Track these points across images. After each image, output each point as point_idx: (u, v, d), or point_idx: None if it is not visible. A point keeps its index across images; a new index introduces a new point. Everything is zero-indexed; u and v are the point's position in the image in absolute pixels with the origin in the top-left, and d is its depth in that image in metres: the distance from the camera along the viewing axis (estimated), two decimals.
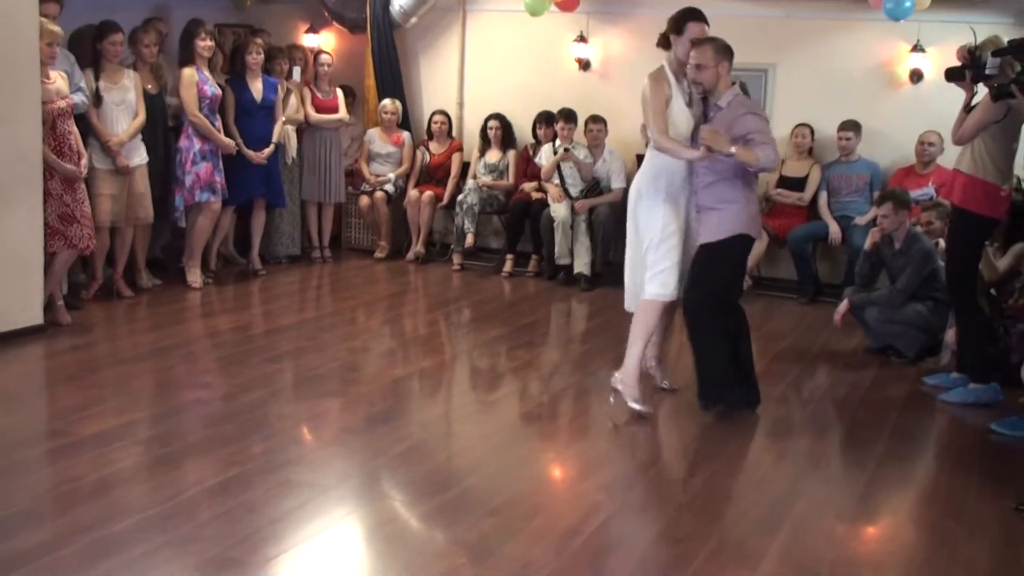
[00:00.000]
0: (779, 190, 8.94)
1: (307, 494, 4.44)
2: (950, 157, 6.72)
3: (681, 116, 5.56)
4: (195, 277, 8.22)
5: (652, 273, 5.64)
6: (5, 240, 6.41)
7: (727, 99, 5.52)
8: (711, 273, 5.59)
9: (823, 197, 8.80)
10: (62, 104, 6.83)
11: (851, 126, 8.71)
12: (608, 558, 3.95)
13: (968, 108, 5.96)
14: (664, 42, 5.69)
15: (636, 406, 5.62)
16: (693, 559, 3.95)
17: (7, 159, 6.38)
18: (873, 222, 7.67)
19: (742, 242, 5.62)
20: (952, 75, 6.05)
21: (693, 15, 5.60)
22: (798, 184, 8.90)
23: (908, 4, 8.01)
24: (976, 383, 6.11)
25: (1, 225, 6.38)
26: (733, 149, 5.22)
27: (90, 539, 3.90)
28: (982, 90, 5.90)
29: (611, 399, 5.77)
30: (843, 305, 6.99)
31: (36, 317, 6.67)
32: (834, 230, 8.61)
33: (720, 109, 5.52)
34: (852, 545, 4.28)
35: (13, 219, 6.46)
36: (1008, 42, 5.58)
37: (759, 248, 8.69)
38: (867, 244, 7.18)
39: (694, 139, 5.52)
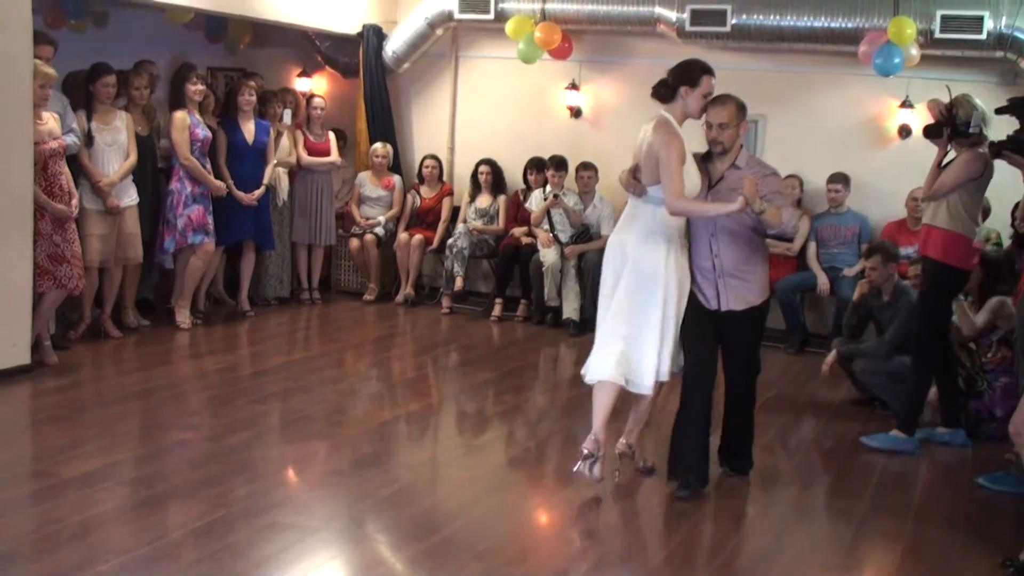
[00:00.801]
0: (768, 240, 8.96)
1: (292, 537, 4.41)
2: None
3: (695, 175, 5.17)
4: (184, 318, 8.21)
5: (668, 349, 5.18)
6: None
7: (744, 158, 5.24)
8: (754, 339, 5.47)
9: (812, 248, 8.86)
10: (54, 145, 6.84)
11: (840, 178, 8.79)
12: None
13: (941, 165, 6.04)
14: (668, 94, 5.22)
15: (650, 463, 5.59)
16: None
17: None
18: (861, 274, 7.72)
19: (768, 306, 5.53)
20: (931, 132, 6.12)
21: (708, 69, 5.23)
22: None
23: (897, 60, 8.12)
24: (902, 431, 6.19)
25: None
26: (766, 206, 4.93)
27: None
28: None
29: (616, 474, 5.36)
30: (831, 356, 7.01)
31: (24, 357, 6.65)
32: (822, 281, 8.66)
33: (738, 168, 5.18)
34: None
35: (3, 258, 6.45)
36: (1008, 100, 5.64)
37: None
38: (855, 295, 7.21)
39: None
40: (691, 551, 4.57)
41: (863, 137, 8.98)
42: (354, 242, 9.83)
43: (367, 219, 9.88)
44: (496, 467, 5.76)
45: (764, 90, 9.13)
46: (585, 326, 9.00)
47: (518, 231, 9.53)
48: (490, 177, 9.74)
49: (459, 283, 9.46)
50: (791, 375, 7.98)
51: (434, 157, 10.07)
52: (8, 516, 4.55)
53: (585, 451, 5.07)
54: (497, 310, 9.42)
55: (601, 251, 8.88)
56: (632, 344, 5.12)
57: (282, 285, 9.46)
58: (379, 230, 9.79)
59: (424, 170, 10.01)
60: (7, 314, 6.51)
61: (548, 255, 9.11)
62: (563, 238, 9.21)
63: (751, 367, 5.45)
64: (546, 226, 9.27)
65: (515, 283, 9.52)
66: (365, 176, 10.01)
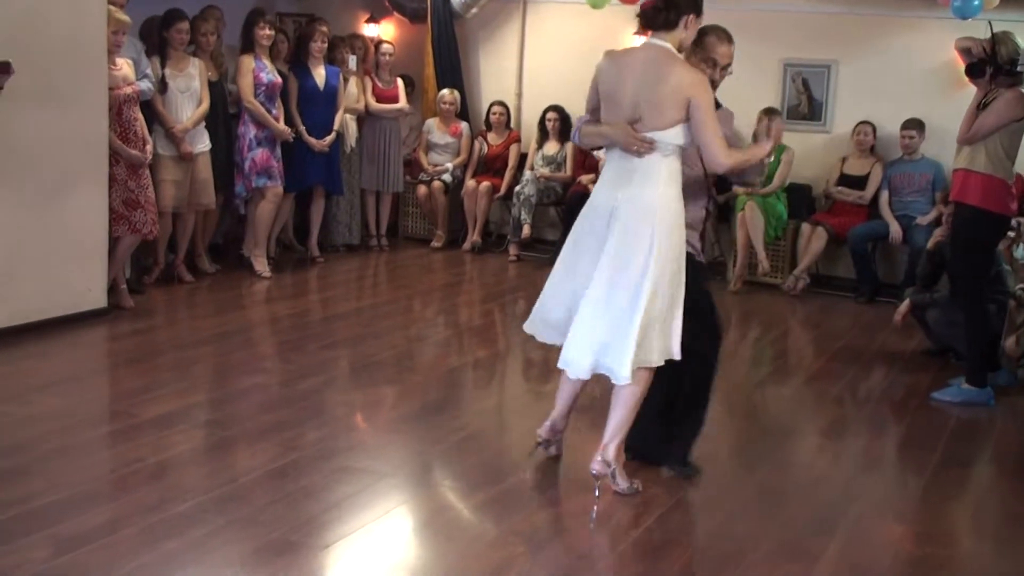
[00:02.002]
0: (839, 188, 8.85)
1: (363, 481, 4.47)
2: None
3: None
4: (262, 267, 8.28)
5: (671, 327, 4.33)
6: (71, 224, 6.51)
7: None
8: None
9: (884, 196, 8.69)
10: (128, 91, 6.92)
11: (914, 124, 8.60)
12: (663, 552, 3.93)
13: (981, 106, 5.85)
14: (672, 21, 4.33)
15: (626, 485, 4.48)
16: (749, 556, 3.94)
17: (74, 144, 6.48)
18: (935, 222, 7.58)
19: None
20: (973, 71, 5.94)
21: None
22: (859, 182, 8.80)
23: (976, 2, 7.87)
24: (972, 384, 6.05)
25: (67, 210, 6.48)
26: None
27: (151, 520, 3.95)
28: None
29: (596, 493, 4.43)
30: (904, 305, 6.90)
31: (100, 300, 6.78)
32: (895, 229, 8.51)
33: (719, 106, 4.54)
34: (910, 548, 4.22)
35: (79, 204, 6.56)
36: None
37: (818, 246, 8.63)
38: (930, 244, 7.09)
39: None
40: (760, 501, 4.55)
41: (938, 82, 8.74)
42: (422, 189, 9.85)
43: (434, 166, 9.89)
44: None
45: (837, 33, 8.97)
46: None
47: (585, 178, 9.47)
48: (558, 124, 9.68)
49: (526, 230, 9.45)
50: (861, 325, 7.89)
51: (502, 104, 10.03)
52: (88, 456, 4.67)
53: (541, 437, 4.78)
54: None
55: None
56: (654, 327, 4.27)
57: (351, 232, 9.51)
58: (446, 177, 9.79)
59: (492, 117, 9.98)
60: (84, 259, 6.63)
61: None
62: None
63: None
64: None
65: None
66: (433, 123, 10.00)
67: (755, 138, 4.60)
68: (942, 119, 8.68)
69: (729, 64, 4.58)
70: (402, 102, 9.63)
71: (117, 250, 6.97)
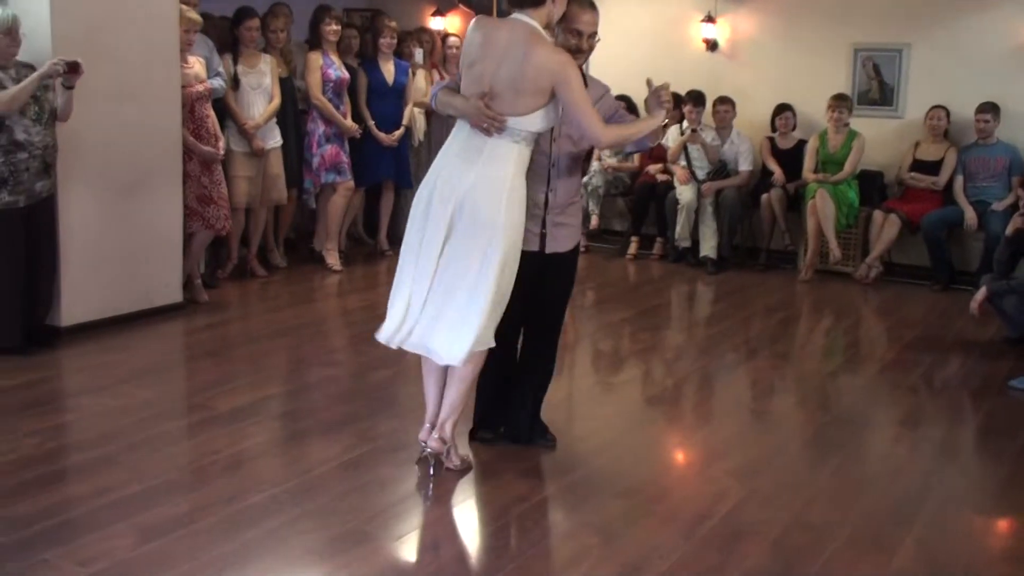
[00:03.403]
0: (913, 174, 8.71)
1: (435, 472, 4.50)
2: None
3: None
4: (334, 260, 8.38)
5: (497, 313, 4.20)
6: (147, 221, 6.64)
7: (587, 77, 4.40)
8: (570, 284, 4.80)
9: (959, 181, 8.54)
10: (200, 88, 7.03)
11: (990, 108, 8.42)
12: (739, 544, 3.91)
13: None
14: None
15: (459, 461, 4.52)
16: (827, 547, 3.90)
17: (149, 142, 6.60)
18: (1012, 207, 7.42)
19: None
20: None
21: None
22: (933, 168, 8.65)
23: None
24: None
25: (143, 206, 6.61)
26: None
27: (229, 511, 4.03)
28: None
29: (431, 471, 4.45)
30: (981, 292, 6.76)
31: (176, 295, 6.91)
32: (970, 216, 8.36)
33: (593, 82, 4.49)
34: (990, 540, 4.17)
35: (155, 200, 6.68)
36: None
37: (890, 233, 8.50)
38: (1008, 230, 6.96)
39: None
40: (837, 491, 4.50)
41: (1015, 64, 8.55)
42: None
43: None
44: (634, 405, 5.76)
45: (909, 16, 8.84)
46: (722, 264, 8.92)
47: (654, 168, 9.44)
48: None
49: (595, 221, 9.44)
50: (937, 313, 7.76)
51: None
52: (167, 448, 4.76)
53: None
54: (633, 248, 9.39)
55: (738, 188, 8.97)
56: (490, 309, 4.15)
57: None
58: None
59: None
60: (159, 254, 6.76)
61: (685, 192, 9.00)
62: (700, 175, 9.08)
63: (560, 321, 4.79)
64: (683, 163, 9.15)
65: (650, 221, 9.45)
66: None
67: (646, 106, 4.43)
68: (1018, 102, 8.52)
69: (595, 33, 4.35)
70: None
71: (191, 245, 7.09)
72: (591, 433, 5.22)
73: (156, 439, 4.80)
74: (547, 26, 4.18)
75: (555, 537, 3.99)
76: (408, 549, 3.85)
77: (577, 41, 4.29)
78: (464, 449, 4.66)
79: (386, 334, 4.35)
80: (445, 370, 4.36)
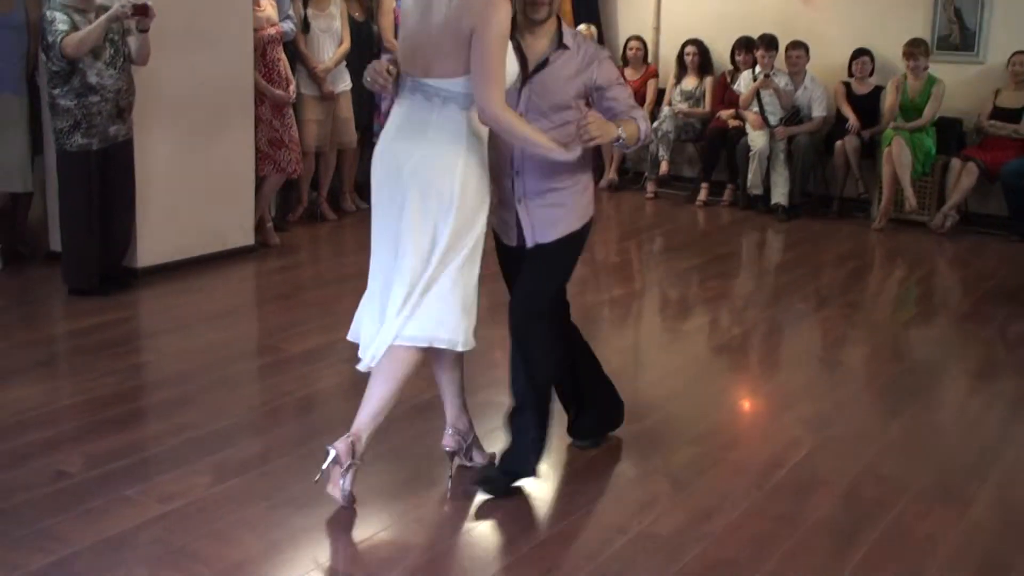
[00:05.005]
0: (992, 121, 8.49)
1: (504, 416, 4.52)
2: None
3: (512, 61, 3.56)
4: None
5: (461, 304, 3.72)
6: (220, 164, 6.71)
7: (569, 35, 3.69)
8: (560, 272, 4.00)
9: None
10: (272, 31, 7.05)
11: None
12: (811, 493, 3.89)
13: None
14: None
15: (483, 460, 4.03)
16: (899, 498, 3.86)
17: (221, 85, 6.65)
18: None
19: (589, 229, 3.98)
20: None
21: None
22: (1014, 115, 8.42)
23: None
24: None
25: (216, 149, 6.67)
26: (622, 132, 3.59)
27: (302, 451, 4.09)
28: None
29: (451, 472, 3.97)
30: None
31: (248, 238, 6.99)
32: None
33: (565, 49, 3.65)
34: None
35: (227, 143, 6.74)
36: None
37: (968, 182, 8.31)
38: None
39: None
40: (910, 442, 4.46)
41: None
42: None
43: None
44: (703, 354, 5.73)
45: None
46: (793, 212, 8.80)
47: (725, 114, 9.31)
48: (696, 58, 9.51)
49: (664, 167, 9.36)
50: (1015, 265, 7.60)
51: (638, 38, 9.88)
52: (241, 388, 4.85)
53: (332, 452, 3.65)
54: (703, 195, 9.30)
55: (811, 134, 8.82)
56: (429, 296, 3.65)
57: None
58: None
59: (628, 52, 9.85)
60: (232, 197, 6.83)
61: (757, 138, 8.87)
62: (772, 120, 8.94)
63: (549, 294, 3.99)
64: (755, 108, 9.01)
65: (721, 167, 9.35)
66: None
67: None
68: None
69: None
70: None
71: (263, 189, 7.15)
72: (659, 381, 5.21)
73: (230, 380, 4.88)
74: None
75: (625, 483, 4.00)
76: (479, 493, 3.88)
77: None
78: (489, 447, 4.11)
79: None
80: (447, 362, 3.92)
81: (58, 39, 5.58)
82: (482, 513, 3.74)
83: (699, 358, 5.63)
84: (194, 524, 3.53)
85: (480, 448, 4.05)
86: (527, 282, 3.90)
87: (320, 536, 3.55)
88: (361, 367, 3.75)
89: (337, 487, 3.63)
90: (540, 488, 3.98)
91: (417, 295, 3.61)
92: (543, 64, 3.63)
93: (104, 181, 5.94)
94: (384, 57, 3.76)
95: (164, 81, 6.25)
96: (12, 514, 3.54)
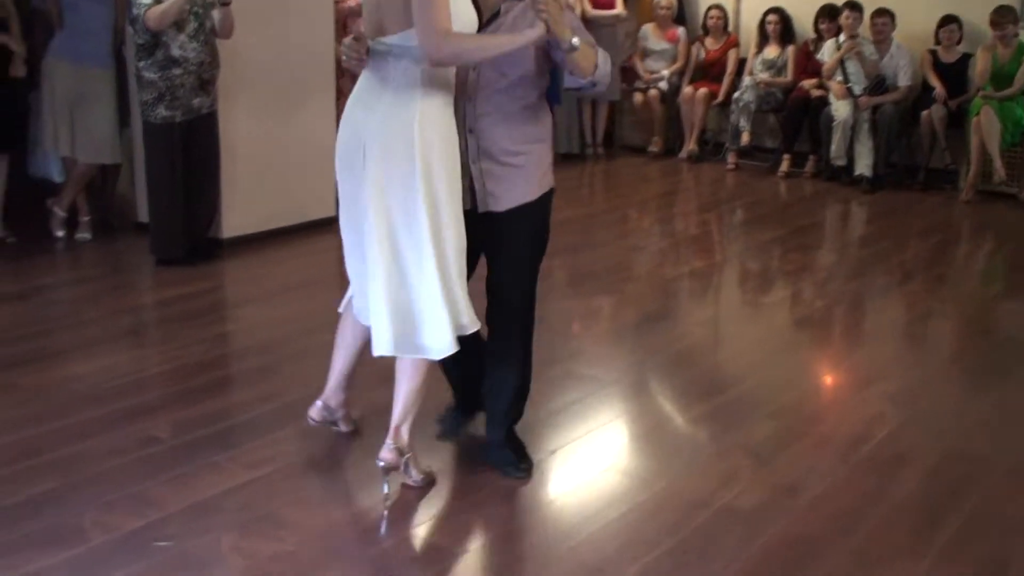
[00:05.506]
0: None
1: (586, 388, 4.53)
2: None
3: (468, 10, 3.34)
4: None
5: (456, 296, 3.54)
6: (303, 136, 6.77)
7: None
8: (536, 246, 3.79)
9: None
10: (352, 3, 7.09)
11: None
12: (897, 470, 3.84)
13: None
14: None
15: (420, 477, 3.67)
16: (986, 478, 3.80)
17: (302, 58, 6.70)
18: None
19: (549, 204, 3.76)
20: None
21: None
22: None
23: None
24: None
25: (297, 121, 6.74)
26: (576, 40, 3.31)
27: (386, 420, 4.05)
28: None
29: (386, 489, 3.59)
30: None
31: (329, 210, 7.02)
32: None
33: (519, 0, 3.46)
34: None
35: (308, 116, 6.80)
36: None
37: None
38: None
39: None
40: (1000, 420, 4.37)
41: None
42: (638, 97, 9.75)
43: (651, 73, 9.76)
44: (784, 327, 5.68)
45: None
46: (878, 183, 8.64)
47: (808, 83, 9.16)
48: (778, 26, 9.37)
49: (745, 138, 9.26)
50: None
51: (719, 7, 9.75)
52: (324, 358, 4.85)
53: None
54: (785, 166, 9.18)
55: (896, 104, 8.64)
56: (413, 307, 3.49)
57: (569, 141, 9.53)
58: (663, 84, 9.66)
59: (709, 20, 9.73)
60: (313, 169, 6.89)
61: (841, 108, 8.72)
62: (856, 90, 8.77)
63: (525, 294, 3.81)
64: (839, 77, 8.85)
65: (804, 137, 9.21)
66: (649, 28, 9.85)
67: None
68: None
69: None
70: (619, 8, 9.51)
71: None
72: (740, 354, 5.17)
73: (314, 349, 4.92)
74: None
75: (706, 457, 3.98)
76: (559, 463, 3.89)
77: None
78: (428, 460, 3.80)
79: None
80: (358, 334, 3.84)
81: (142, 12, 5.67)
82: (565, 486, 3.76)
83: (780, 331, 5.58)
84: (280, 491, 3.59)
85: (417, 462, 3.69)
86: (495, 266, 3.76)
87: (411, 501, 3.57)
88: (375, 355, 3.58)
89: (409, 480, 3.63)
90: (622, 459, 3.98)
91: (398, 304, 3.46)
92: (495, 15, 3.46)
93: (188, 153, 6.04)
94: (353, 31, 3.57)
95: (247, 54, 6.32)
96: (105, 478, 3.63)
